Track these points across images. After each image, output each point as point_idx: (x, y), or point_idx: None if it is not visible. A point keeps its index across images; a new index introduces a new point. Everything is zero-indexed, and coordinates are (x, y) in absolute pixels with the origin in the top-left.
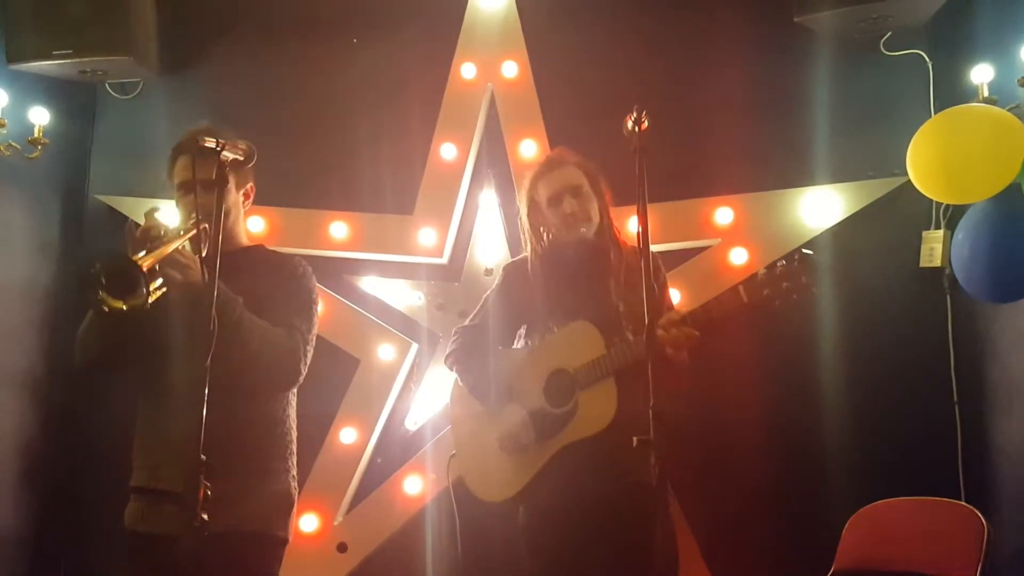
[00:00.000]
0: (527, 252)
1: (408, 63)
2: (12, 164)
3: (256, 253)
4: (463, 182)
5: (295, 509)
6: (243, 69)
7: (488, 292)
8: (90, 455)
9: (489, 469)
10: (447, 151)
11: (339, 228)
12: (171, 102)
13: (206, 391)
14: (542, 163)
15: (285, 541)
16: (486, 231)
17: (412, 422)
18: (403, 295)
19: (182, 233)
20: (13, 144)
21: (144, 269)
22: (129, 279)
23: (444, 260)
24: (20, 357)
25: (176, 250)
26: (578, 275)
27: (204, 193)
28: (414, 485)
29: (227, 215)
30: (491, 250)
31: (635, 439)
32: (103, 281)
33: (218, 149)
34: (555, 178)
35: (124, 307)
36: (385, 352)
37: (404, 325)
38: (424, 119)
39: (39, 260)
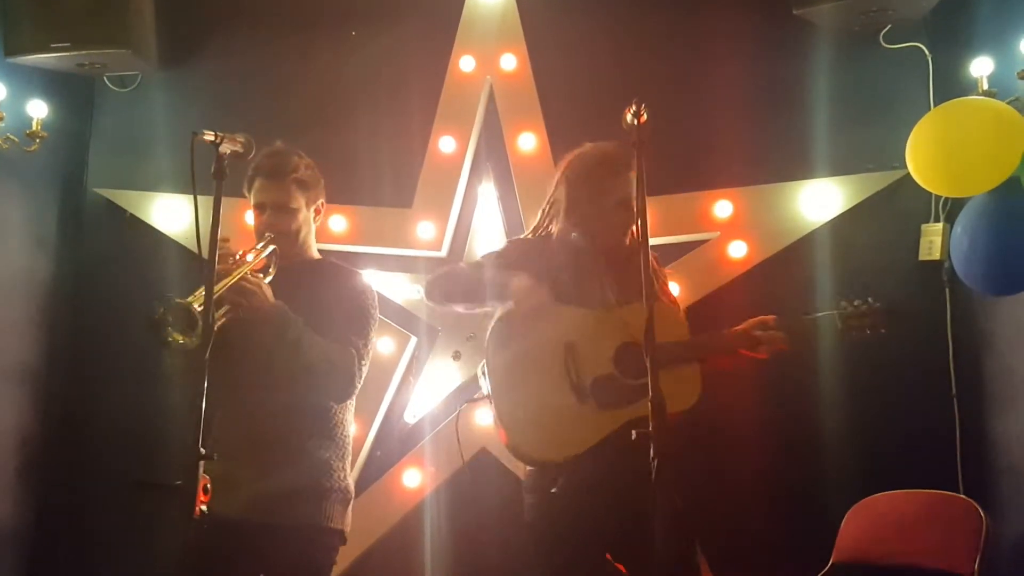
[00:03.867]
0: (553, 225)
1: (407, 56)
2: (10, 157)
3: (321, 267)
4: (462, 175)
5: (351, 504)
6: (242, 62)
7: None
8: (89, 450)
9: (550, 427)
10: (446, 144)
11: (337, 221)
12: (170, 95)
13: (205, 384)
14: (609, 160)
15: (337, 533)
16: (485, 224)
17: (411, 415)
18: (402, 288)
19: (250, 258)
20: (11, 137)
21: (197, 311)
22: (190, 319)
23: (443, 253)
24: (18, 351)
25: (244, 276)
26: (620, 261)
27: (275, 214)
28: (413, 478)
29: (297, 232)
30: (490, 243)
31: (633, 432)
32: (170, 319)
33: (216, 142)
34: (623, 185)
35: (192, 342)
36: (384, 345)
37: (403, 318)
38: (423, 112)
39: (37, 254)
